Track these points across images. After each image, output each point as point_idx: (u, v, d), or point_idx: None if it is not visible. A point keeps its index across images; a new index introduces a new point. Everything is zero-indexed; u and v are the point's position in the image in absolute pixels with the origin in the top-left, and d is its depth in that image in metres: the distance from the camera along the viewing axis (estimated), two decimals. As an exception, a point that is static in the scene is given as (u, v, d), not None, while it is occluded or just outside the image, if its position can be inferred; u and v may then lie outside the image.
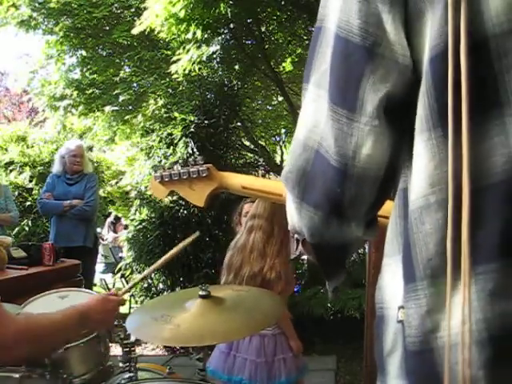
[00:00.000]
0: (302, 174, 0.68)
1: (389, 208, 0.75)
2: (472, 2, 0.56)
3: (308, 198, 0.69)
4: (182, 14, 4.44)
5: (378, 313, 0.68)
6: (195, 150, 4.56)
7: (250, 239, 2.21)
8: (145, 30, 4.79)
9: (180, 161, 1.20)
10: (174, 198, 4.55)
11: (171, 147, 4.68)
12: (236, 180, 1.16)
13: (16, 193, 6.58)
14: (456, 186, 0.55)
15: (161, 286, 4.75)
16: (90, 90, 6.74)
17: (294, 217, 0.74)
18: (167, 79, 5.59)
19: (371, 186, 0.65)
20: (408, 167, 0.64)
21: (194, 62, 4.81)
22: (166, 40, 5.27)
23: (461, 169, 0.55)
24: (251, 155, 5.92)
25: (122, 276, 6.07)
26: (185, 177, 1.15)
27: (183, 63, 4.78)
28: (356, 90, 0.61)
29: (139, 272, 4.84)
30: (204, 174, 1.14)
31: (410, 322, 0.59)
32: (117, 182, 7.67)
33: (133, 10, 6.04)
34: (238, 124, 5.60)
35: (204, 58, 4.97)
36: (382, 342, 0.66)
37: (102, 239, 7.50)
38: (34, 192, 6.65)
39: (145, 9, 4.64)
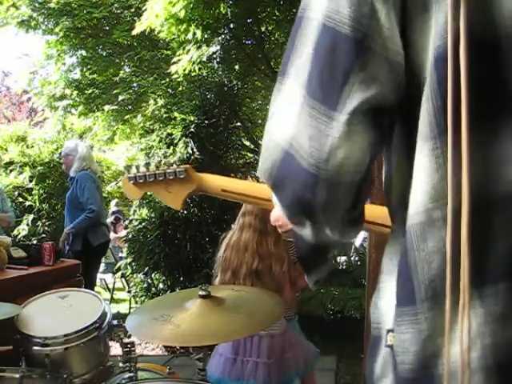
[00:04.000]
0: (270, 174, 0.62)
1: (381, 214, 0.70)
2: (481, 2, 0.52)
3: (279, 198, 0.64)
4: (181, 15, 4.44)
5: (373, 332, 0.64)
6: (195, 149, 4.56)
7: (242, 237, 2.14)
8: (145, 30, 4.80)
9: (157, 160, 1.13)
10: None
11: (171, 147, 4.68)
12: (216, 182, 1.10)
13: (16, 193, 6.57)
14: (459, 199, 0.51)
15: (161, 285, 4.75)
16: (90, 90, 6.74)
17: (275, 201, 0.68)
18: (167, 79, 5.59)
19: (346, 192, 0.58)
20: (405, 177, 0.59)
21: (193, 62, 4.81)
22: (166, 40, 5.27)
23: (471, 179, 0.50)
24: (251, 155, 5.91)
25: (122, 276, 6.07)
26: (160, 178, 1.09)
27: (183, 63, 4.78)
28: (341, 85, 0.55)
29: (139, 272, 4.85)
30: (181, 176, 1.08)
31: (405, 348, 0.55)
32: (117, 183, 7.67)
33: (133, 10, 6.05)
34: (238, 124, 5.60)
35: (204, 59, 4.97)
36: (374, 365, 0.62)
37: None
38: (33, 192, 6.64)
39: (145, 9, 4.65)
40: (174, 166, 1.09)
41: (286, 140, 0.58)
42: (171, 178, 1.08)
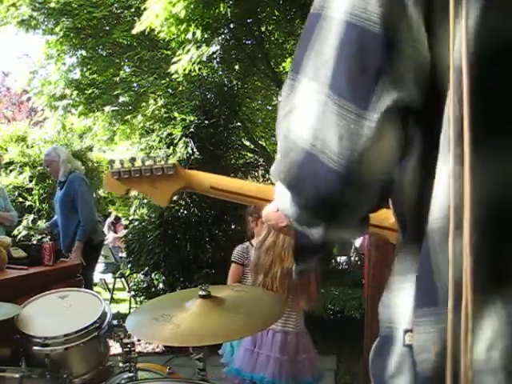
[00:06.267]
0: (286, 175, 0.61)
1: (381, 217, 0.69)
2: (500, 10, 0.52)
3: (296, 199, 0.63)
4: (182, 15, 4.44)
5: (383, 332, 0.64)
6: (195, 149, 4.56)
7: (281, 238, 2.15)
8: (145, 30, 4.80)
9: (142, 156, 1.09)
10: (174, 198, 4.54)
11: (171, 147, 4.68)
12: (205, 180, 1.07)
13: (16, 193, 6.57)
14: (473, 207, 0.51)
15: (161, 285, 4.75)
16: (90, 90, 6.74)
17: (284, 202, 0.67)
18: (167, 79, 5.59)
19: (374, 192, 0.59)
20: (423, 182, 0.58)
21: (194, 62, 4.81)
22: (166, 40, 5.27)
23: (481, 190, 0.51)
24: (251, 155, 5.92)
25: (122, 276, 6.07)
26: (147, 174, 1.05)
27: (183, 63, 4.78)
28: (373, 84, 0.54)
29: (139, 272, 4.85)
30: (170, 172, 1.04)
31: (426, 347, 0.55)
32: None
33: (133, 9, 6.05)
34: (238, 124, 5.60)
35: (204, 58, 4.97)
36: (385, 363, 0.62)
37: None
38: (33, 192, 6.64)
39: (145, 9, 4.65)
40: (162, 162, 1.05)
41: (307, 140, 0.57)
42: (158, 174, 1.05)
